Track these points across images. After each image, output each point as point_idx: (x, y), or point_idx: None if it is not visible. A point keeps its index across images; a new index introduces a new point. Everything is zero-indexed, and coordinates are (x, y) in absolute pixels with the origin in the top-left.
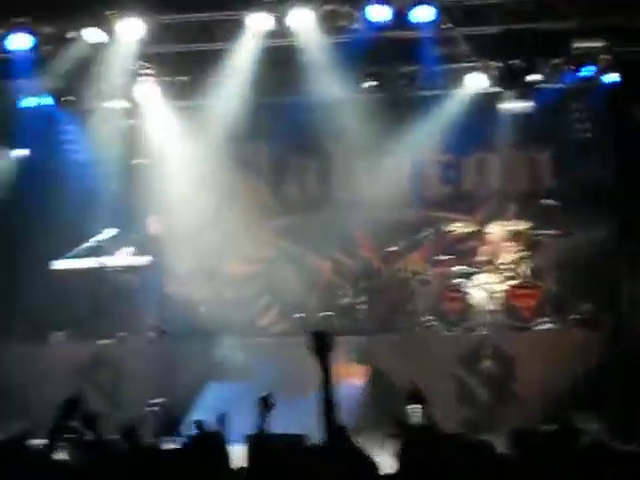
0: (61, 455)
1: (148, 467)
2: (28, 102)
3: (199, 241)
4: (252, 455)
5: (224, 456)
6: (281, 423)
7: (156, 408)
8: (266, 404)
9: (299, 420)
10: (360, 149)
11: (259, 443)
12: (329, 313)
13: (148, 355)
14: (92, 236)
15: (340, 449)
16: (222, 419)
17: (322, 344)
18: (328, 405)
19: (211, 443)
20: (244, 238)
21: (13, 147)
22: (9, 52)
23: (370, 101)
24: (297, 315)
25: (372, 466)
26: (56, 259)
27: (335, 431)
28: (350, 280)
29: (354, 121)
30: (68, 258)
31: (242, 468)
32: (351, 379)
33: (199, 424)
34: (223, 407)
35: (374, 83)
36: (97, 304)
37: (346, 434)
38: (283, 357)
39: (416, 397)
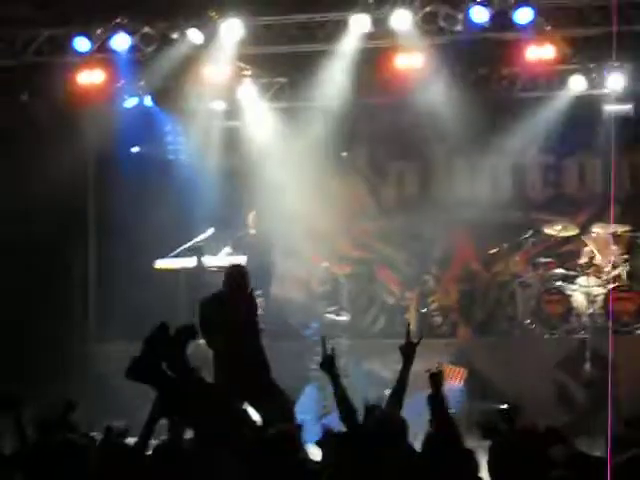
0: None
1: None
2: (129, 102)
3: (296, 242)
4: None
5: None
6: None
7: None
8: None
9: None
10: (461, 151)
11: None
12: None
13: None
14: (193, 236)
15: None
16: None
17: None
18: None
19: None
20: (340, 240)
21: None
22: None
23: (471, 103)
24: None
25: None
26: (158, 259)
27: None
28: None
29: (455, 123)
30: (170, 257)
31: None
32: (449, 381)
33: None
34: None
35: (475, 85)
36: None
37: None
38: (378, 358)
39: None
